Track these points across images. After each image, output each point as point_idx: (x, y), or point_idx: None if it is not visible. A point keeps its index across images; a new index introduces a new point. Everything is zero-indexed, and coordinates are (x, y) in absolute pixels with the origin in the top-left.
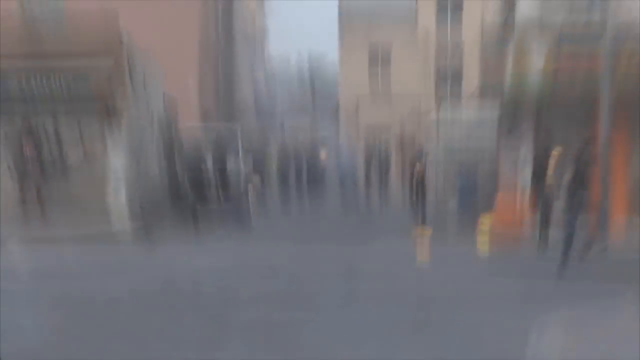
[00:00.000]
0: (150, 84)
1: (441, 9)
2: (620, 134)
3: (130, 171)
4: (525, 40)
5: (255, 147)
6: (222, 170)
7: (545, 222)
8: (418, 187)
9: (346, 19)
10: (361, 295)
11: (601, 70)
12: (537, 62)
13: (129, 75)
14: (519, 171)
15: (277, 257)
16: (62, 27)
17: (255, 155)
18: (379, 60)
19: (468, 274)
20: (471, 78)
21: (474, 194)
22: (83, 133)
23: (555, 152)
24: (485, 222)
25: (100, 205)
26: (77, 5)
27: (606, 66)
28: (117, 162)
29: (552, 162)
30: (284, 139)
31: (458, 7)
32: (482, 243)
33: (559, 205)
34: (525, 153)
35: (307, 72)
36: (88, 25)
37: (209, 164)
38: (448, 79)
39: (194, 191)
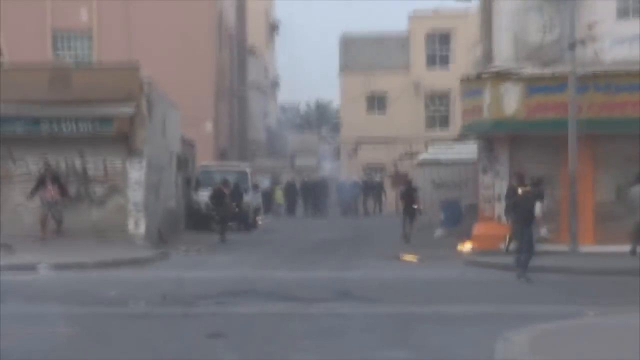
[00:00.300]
0: (169, 127)
1: (431, 60)
2: (585, 171)
3: (149, 204)
4: (499, 89)
5: (265, 184)
6: (231, 203)
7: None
8: (408, 216)
9: (347, 69)
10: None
11: (568, 115)
12: (510, 108)
13: (149, 120)
14: (494, 205)
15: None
16: (90, 76)
17: (264, 190)
18: (375, 106)
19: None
20: (456, 122)
21: (456, 223)
22: (108, 171)
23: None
24: (464, 246)
25: (123, 235)
26: (104, 57)
27: (572, 112)
28: (137, 196)
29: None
30: (293, 176)
31: (445, 59)
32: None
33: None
34: (499, 189)
35: (314, 118)
36: (113, 74)
37: (221, 198)
38: (436, 123)
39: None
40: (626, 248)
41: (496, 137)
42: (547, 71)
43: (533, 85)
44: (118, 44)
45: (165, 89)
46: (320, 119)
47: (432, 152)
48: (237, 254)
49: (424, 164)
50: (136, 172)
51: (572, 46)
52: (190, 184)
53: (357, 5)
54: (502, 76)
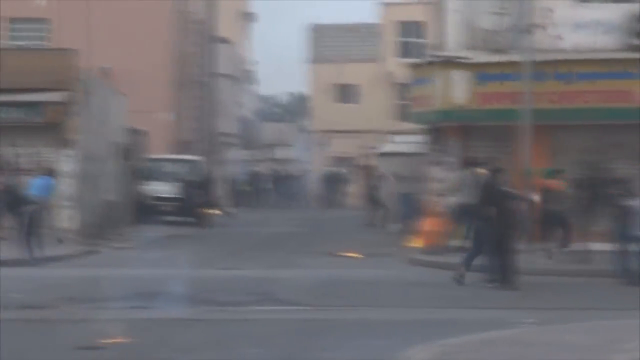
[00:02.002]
0: (111, 116)
1: (403, 51)
2: (539, 162)
3: (84, 197)
4: (449, 76)
5: (231, 175)
6: (177, 197)
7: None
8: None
9: (316, 60)
10: None
11: (523, 105)
12: (460, 97)
13: (84, 108)
14: (444, 198)
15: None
16: (21, 61)
17: (232, 182)
18: (346, 97)
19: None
20: None
21: (414, 217)
22: (40, 162)
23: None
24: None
25: (53, 231)
26: (63, 44)
27: (526, 102)
28: (69, 189)
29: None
30: (264, 168)
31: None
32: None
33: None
34: (451, 181)
35: (294, 109)
36: (46, 59)
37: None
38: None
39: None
40: (580, 246)
41: (446, 127)
42: (502, 58)
43: (485, 72)
44: (76, 31)
45: (123, 77)
46: (301, 110)
47: (396, 143)
48: (174, 250)
49: (385, 155)
50: (69, 164)
51: (527, 31)
52: (140, 175)
53: None
54: (452, 63)
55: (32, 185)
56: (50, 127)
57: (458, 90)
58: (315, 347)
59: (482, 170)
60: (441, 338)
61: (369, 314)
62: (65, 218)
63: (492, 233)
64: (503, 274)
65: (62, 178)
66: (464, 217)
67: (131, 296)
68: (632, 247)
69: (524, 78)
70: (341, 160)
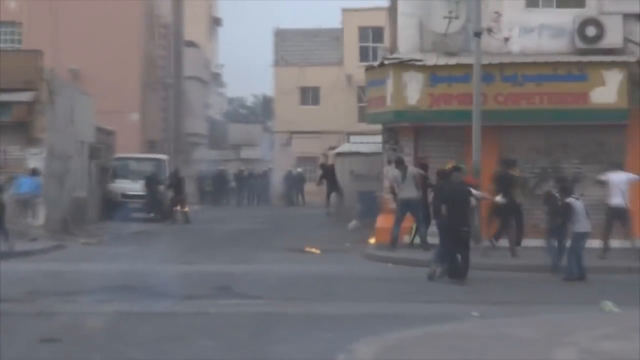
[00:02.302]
0: (79, 116)
1: (364, 55)
2: (489, 161)
3: (51, 194)
4: (402, 78)
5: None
6: (146, 193)
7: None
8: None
9: (280, 63)
10: None
11: (473, 106)
12: (412, 98)
13: (51, 107)
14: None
15: None
16: None
17: (198, 180)
18: (309, 99)
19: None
20: None
21: (372, 214)
22: (7, 160)
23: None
24: (370, 237)
25: (21, 226)
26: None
27: (476, 103)
28: None
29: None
30: (230, 168)
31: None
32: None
33: None
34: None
35: (260, 110)
36: (12, 60)
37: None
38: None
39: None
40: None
41: (400, 127)
42: (452, 61)
43: (436, 74)
44: (46, 33)
45: (92, 79)
46: (266, 111)
47: (353, 144)
48: (138, 245)
49: (342, 154)
50: (35, 161)
51: (477, 34)
52: (107, 173)
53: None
54: (405, 65)
55: (22, 184)
56: (17, 126)
57: (410, 91)
58: (266, 340)
59: (415, 167)
60: (387, 332)
61: (321, 307)
62: (31, 214)
63: (443, 228)
64: (454, 269)
65: (28, 176)
66: (406, 212)
67: (92, 290)
68: (569, 243)
69: (473, 80)
70: (304, 160)
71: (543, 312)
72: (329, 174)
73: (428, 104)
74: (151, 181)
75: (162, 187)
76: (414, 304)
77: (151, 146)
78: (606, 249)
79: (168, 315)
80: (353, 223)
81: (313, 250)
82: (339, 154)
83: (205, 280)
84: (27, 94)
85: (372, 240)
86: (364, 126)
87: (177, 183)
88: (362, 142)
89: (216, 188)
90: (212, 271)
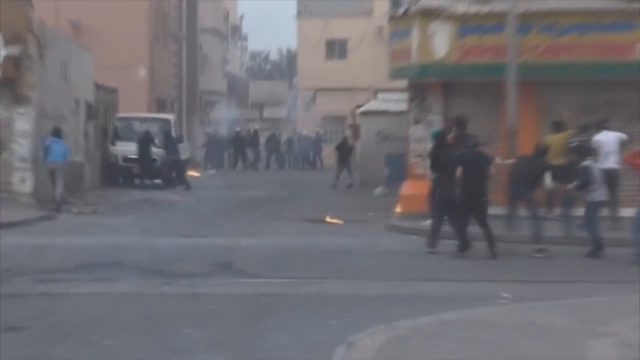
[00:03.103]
0: (74, 72)
1: (395, 4)
2: (526, 121)
3: (41, 158)
4: (428, 29)
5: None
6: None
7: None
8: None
9: (304, 14)
10: None
11: (507, 59)
12: (440, 51)
13: (40, 63)
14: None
15: None
16: None
17: (212, 142)
18: (335, 53)
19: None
20: None
21: (401, 180)
22: None
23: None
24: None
25: (8, 194)
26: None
27: (511, 56)
28: (23, 149)
29: None
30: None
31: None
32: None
33: None
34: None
35: (285, 65)
36: None
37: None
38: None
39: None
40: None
41: (427, 83)
42: (484, 9)
43: (466, 24)
44: None
45: (95, 32)
46: (292, 66)
47: (380, 101)
48: (136, 215)
49: (368, 113)
50: (23, 122)
51: None
52: (108, 135)
53: None
54: (431, 14)
55: (53, 151)
56: (3, 83)
57: (438, 43)
58: (258, 329)
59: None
60: (399, 318)
61: (330, 287)
62: (18, 181)
63: (439, 197)
64: (464, 242)
65: (17, 138)
66: None
67: (73, 268)
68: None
69: (508, 30)
70: (329, 120)
71: (580, 293)
72: (345, 152)
73: (457, 57)
74: (144, 142)
75: (168, 150)
76: (436, 283)
77: (160, 105)
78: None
79: (155, 297)
80: (379, 189)
81: (333, 220)
82: (364, 113)
83: (204, 256)
84: (14, 48)
85: (398, 209)
86: (394, 82)
87: (170, 143)
88: (390, 100)
89: (233, 151)
90: (214, 245)
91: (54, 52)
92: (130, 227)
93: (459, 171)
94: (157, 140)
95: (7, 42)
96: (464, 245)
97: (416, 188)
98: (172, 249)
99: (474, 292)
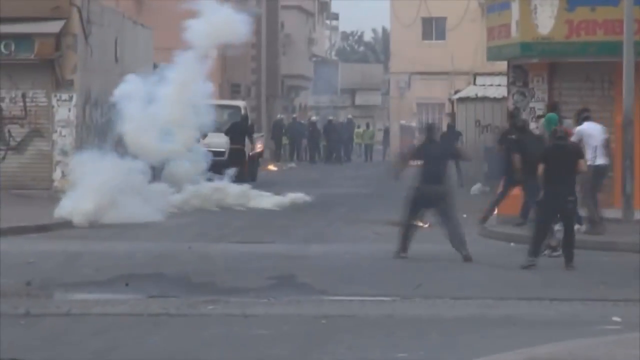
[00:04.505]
0: (129, 52)
1: None
2: None
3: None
4: (531, 1)
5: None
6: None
7: None
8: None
9: None
10: None
11: (624, 36)
12: (545, 26)
13: (85, 41)
14: None
15: None
16: None
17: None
18: (432, 33)
19: None
20: None
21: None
22: (28, 107)
23: None
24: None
25: (48, 190)
26: None
27: (628, 32)
28: (65, 140)
29: None
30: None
31: None
32: None
33: None
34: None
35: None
36: None
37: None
38: None
39: None
40: None
41: (530, 64)
42: None
43: None
44: None
45: (157, 7)
46: (387, 48)
47: (479, 86)
48: (194, 216)
49: (466, 100)
50: (64, 110)
51: None
52: None
53: None
54: None
55: None
56: (42, 64)
57: (542, 17)
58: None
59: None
60: (481, 349)
61: (404, 307)
62: (59, 176)
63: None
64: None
65: (58, 127)
66: None
67: (106, 281)
68: None
69: (624, 2)
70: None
71: None
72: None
73: (565, 33)
74: (227, 133)
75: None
76: (532, 303)
77: (234, 90)
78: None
79: (195, 319)
80: (477, 186)
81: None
82: (461, 100)
83: (264, 267)
84: (54, 24)
85: (495, 211)
86: (497, 65)
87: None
88: (492, 85)
89: (318, 142)
90: (278, 253)
91: (103, 29)
92: (183, 230)
93: (540, 168)
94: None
95: (46, 17)
96: (535, 252)
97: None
98: (227, 258)
99: (577, 315)
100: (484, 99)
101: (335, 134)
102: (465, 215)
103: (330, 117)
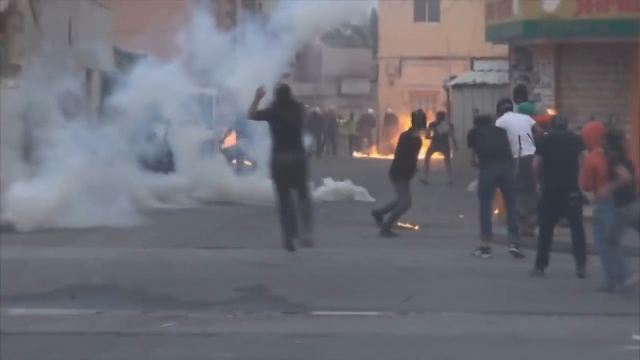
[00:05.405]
0: (85, 35)
1: None
2: None
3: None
4: None
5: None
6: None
7: None
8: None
9: None
10: None
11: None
12: (551, 2)
13: (34, 22)
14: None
15: None
16: None
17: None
18: (425, 14)
19: None
20: None
21: None
22: None
23: None
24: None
25: None
26: None
27: None
28: (12, 132)
29: None
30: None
31: None
32: None
33: None
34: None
35: (369, 31)
36: None
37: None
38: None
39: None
40: None
41: (534, 45)
42: None
43: None
44: None
45: None
46: (376, 32)
47: (476, 72)
48: (155, 218)
49: (461, 87)
50: (10, 99)
51: None
52: None
53: None
54: None
55: None
56: None
57: None
58: None
59: None
60: None
61: (392, 324)
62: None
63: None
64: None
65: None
66: None
67: (51, 293)
68: None
69: None
70: (417, 95)
71: None
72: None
73: (573, 10)
74: None
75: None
76: (539, 318)
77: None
78: None
79: (147, 338)
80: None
81: (408, 225)
82: (456, 86)
83: (232, 276)
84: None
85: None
86: (497, 48)
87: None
88: (491, 70)
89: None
90: (249, 260)
91: (55, 8)
92: (143, 234)
93: (536, 160)
94: None
95: None
96: (542, 259)
97: None
98: (189, 266)
99: (591, 332)
100: (483, 85)
101: (320, 127)
102: (462, 216)
103: (316, 109)
